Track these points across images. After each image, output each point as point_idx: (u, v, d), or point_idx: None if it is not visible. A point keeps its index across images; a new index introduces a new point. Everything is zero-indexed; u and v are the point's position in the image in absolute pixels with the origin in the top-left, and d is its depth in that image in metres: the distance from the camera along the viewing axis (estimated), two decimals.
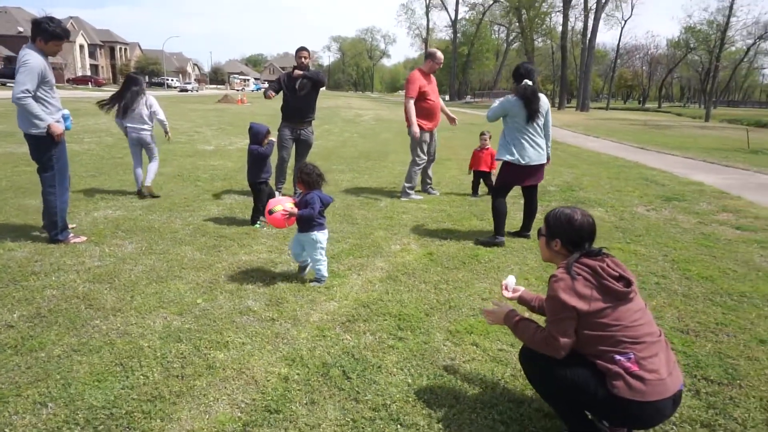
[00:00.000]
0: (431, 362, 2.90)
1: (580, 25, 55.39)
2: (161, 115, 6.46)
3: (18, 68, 4.26)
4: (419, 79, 6.84)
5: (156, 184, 6.75)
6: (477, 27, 68.17)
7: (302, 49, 6.51)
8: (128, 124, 6.30)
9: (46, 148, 4.48)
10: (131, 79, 6.47)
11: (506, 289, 2.63)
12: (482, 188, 7.58)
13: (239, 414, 2.38)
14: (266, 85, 7.81)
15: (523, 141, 4.95)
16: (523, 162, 4.96)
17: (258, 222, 5.38)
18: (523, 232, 5.32)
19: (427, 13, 72.75)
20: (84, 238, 4.73)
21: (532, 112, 4.90)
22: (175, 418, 2.33)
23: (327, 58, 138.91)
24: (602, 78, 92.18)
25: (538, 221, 5.63)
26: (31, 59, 4.24)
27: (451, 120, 7.57)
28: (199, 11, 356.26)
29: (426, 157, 7.13)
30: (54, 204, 4.58)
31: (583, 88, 49.83)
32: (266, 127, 5.42)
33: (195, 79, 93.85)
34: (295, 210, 3.78)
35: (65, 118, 4.79)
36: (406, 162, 9.81)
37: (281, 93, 6.65)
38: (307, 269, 4.08)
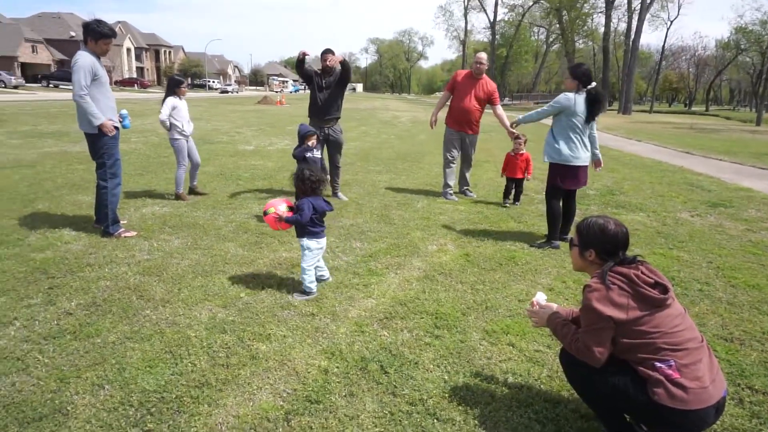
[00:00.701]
0: (467, 360, 2.94)
1: (623, 26, 54.11)
2: (161, 115, 6.26)
3: (71, 69, 4.58)
4: (456, 77, 7.16)
5: (199, 183, 6.98)
6: (516, 29, 67.32)
7: (327, 52, 6.56)
8: None
9: (100, 146, 4.75)
10: (171, 80, 6.53)
11: (537, 306, 2.54)
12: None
13: (281, 403, 2.48)
14: (304, 86, 7.74)
15: (576, 141, 4.93)
16: (574, 163, 4.94)
17: None
18: (561, 235, 5.28)
19: (465, 15, 72.25)
20: (134, 233, 4.96)
21: (595, 112, 4.92)
22: (221, 404, 2.45)
23: (364, 60, 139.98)
24: (646, 80, 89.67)
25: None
26: (80, 58, 4.57)
27: (509, 134, 6.97)
28: (240, 14, 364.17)
29: (452, 157, 7.16)
30: (105, 197, 4.85)
31: (625, 90, 48.61)
32: (306, 130, 5.51)
33: (235, 81, 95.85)
34: (285, 214, 3.65)
35: (123, 117, 5.09)
36: (442, 164, 9.85)
37: (309, 93, 6.80)
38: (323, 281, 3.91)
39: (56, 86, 46.68)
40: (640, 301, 2.06)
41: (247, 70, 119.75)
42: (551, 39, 69.96)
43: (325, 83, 6.58)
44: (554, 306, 2.59)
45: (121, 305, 3.43)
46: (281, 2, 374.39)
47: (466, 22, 73.17)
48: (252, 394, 2.54)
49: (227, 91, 63.90)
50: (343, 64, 6.59)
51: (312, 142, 5.50)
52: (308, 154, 5.45)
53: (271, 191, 7.20)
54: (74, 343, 2.93)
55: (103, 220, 4.91)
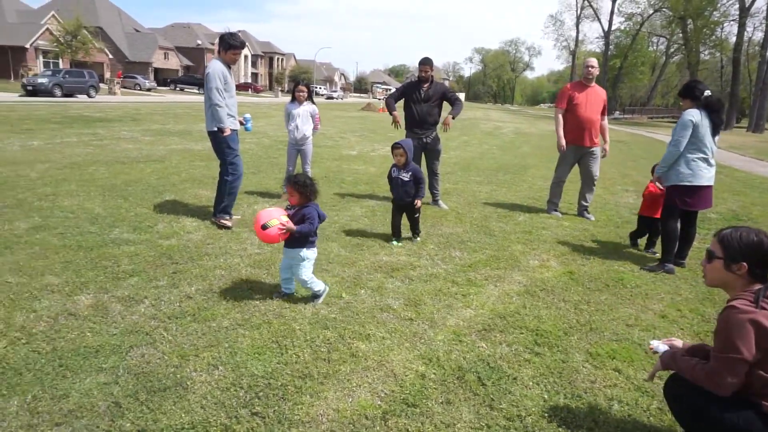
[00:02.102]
0: (569, 381, 2.82)
1: (759, 35, 49.22)
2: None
3: (206, 78, 5.08)
4: (565, 91, 6.68)
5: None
6: (633, 39, 63.51)
7: (424, 62, 6.53)
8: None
9: (221, 144, 5.22)
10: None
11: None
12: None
13: (379, 402, 2.54)
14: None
15: (699, 159, 4.59)
16: (695, 182, 4.61)
17: (395, 240, 5.20)
18: (677, 259, 4.91)
19: (577, 25, 69.51)
20: (230, 224, 5.32)
21: (719, 121, 4.61)
22: (322, 397, 2.55)
23: (468, 69, 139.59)
24: None
25: (695, 250, 5.17)
26: (210, 68, 5.08)
27: (602, 149, 6.76)
28: (349, 23, 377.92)
29: (564, 176, 6.77)
30: (223, 190, 5.35)
31: (758, 106, 44.04)
32: (394, 143, 5.16)
33: (341, 88, 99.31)
34: (292, 226, 3.42)
35: (246, 120, 5.55)
36: (546, 177, 9.54)
37: (403, 102, 6.81)
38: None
39: (182, 89, 51.22)
40: None
41: (352, 78, 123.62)
42: (672, 49, 65.25)
43: (423, 95, 6.58)
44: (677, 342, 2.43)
45: (234, 294, 3.69)
46: (388, 10, 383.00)
47: (578, 32, 70.43)
48: (351, 391, 2.62)
49: (332, 98, 66.48)
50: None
51: (396, 157, 5.10)
52: (394, 174, 5.14)
53: (373, 196, 7.37)
54: (193, 325, 3.20)
55: (215, 207, 5.41)
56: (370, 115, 30.98)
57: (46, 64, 42.28)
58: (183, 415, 2.34)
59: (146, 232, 4.94)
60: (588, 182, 6.77)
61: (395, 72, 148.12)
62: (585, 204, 6.90)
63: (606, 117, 6.71)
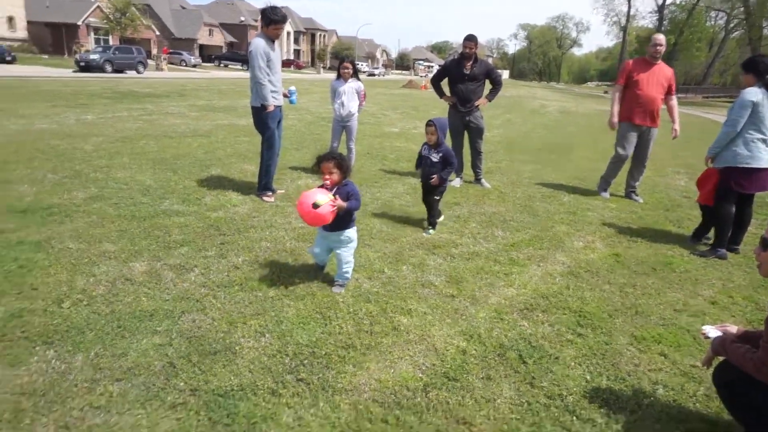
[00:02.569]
0: (612, 364, 2.80)
1: None
2: None
3: (249, 55, 5.14)
4: (630, 65, 6.32)
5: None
6: (689, 13, 60.23)
7: (469, 39, 6.39)
8: None
9: (261, 119, 5.32)
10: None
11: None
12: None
13: (420, 375, 2.58)
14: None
15: (757, 141, 4.39)
16: (754, 165, 4.41)
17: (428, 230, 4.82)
18: (730, 245, 4.74)
19: None
20: (272, 199, 5.46)
21: None
22: (364, 367, 2.61)
23: (513, 46, 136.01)
24: None
25: (750, 235, 4.97)
26: (252, 46, 5.11)
27: (672, 130, 6.41)
28: (391, 0, 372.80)
29: (625, 154, 6.43)
30: (261, 165, 5.50)
31: None
32: (429, 120, 4.76)
33: (382, 65, 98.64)
34: (342, 203, 3.30)
35: (291, 93, 5.60)
36: (592, 158, 9.30)
37: (447, 80, 6.73)
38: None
39: (226, 66, 51.95)
40: None
41: (394, 54, 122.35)
42: (732, 24, 61.64)
43: (469, 73, 6.48)
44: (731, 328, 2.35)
45: (279, 265, 3.78)
46: None
47: (629, 6, 67.42)
48: (393, 363, 2.67)
49: (374, 74, 66.15)
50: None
51: (427, 135, 4.75)
52: (424, 152, 4.85)
53: (415, 174, 7.33)
54: (240, 294, 3.31)
55: (258, 183, 5.56)
56: (412, 93, 30.70)
57: (96, 41, 43.66)
58: (232, 378, 2.45)
59: (195, 204, 5.10)
60: (639, 163, 6.54)
61: (437, 48, 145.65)
62: (633, 185, 6.69)
63: (674, 96, 6.32)
